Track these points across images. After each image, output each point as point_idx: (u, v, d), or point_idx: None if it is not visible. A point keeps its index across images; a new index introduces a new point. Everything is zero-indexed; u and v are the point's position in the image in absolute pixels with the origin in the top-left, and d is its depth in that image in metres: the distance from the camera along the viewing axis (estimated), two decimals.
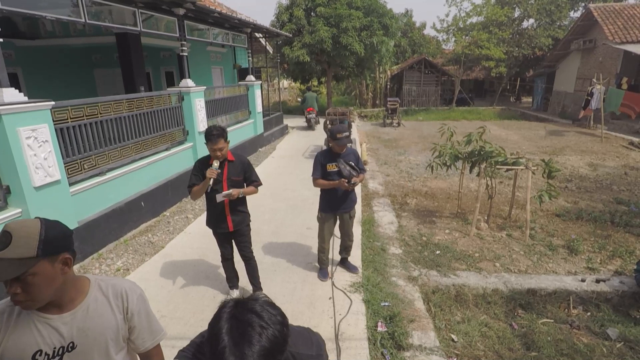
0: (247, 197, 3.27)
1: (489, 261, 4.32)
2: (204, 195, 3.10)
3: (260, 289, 3.47)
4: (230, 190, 2.99)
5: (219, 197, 2.99)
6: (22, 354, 1.12)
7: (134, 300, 1.29)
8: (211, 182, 2.92)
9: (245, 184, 3.22)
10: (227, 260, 3.41)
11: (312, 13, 16.29)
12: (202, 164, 3.04)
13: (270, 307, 0.91)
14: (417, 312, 3.34)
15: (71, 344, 1.17)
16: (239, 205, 3.17)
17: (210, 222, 3.26)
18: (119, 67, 8.02)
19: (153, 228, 5.20)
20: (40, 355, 1.13)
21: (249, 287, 3.51)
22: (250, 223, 3.35)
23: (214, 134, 2.87)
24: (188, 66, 6.77)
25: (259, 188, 3.27)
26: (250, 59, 10.55)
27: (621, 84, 12.92)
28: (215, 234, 3.30)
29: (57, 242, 1.09)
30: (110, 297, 1.26)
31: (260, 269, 3.49)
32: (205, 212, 3.32)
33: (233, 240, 3.33)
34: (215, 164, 2.92)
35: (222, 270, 3.58)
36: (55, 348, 1.15)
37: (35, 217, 1.11)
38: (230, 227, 3.16)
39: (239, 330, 0.84)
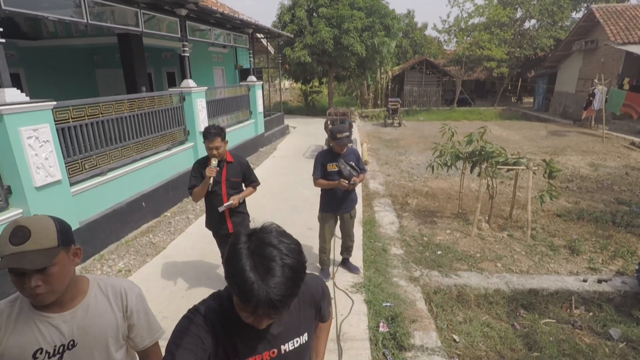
0: (247, 197, 3.26)
1: (490, 261, 4.31)
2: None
3: None
4: (230, 201, 3.01)
5: (221, 209, 3.01)
6: (23, 352, 1.12)
7: (133, 298, 1.30)
8: (211, 180, 2.92)
9: (244, 184, 3.22)
10: None
11: (314, 14, 16.29)
12: (201, 165, 3.04)
13: (285, 237, 0.95)
14: (418, 312, 3.33)
15: (71, 342, 1.17)
16: (238, 206, 3.15)
17: (209, 224, 3.25)
18: (120, 67, 8.03)
19: (154, 229, 5.20)
20: (40, 353, 1.13)
21: None
22: (250, 223, 3.34)
23: (211, 132, 2.87)
24: (189, 67, 6.78)
25: (257, 188, 3.27)
26: (251, 59, 10.57)
27: (623, 84, 12.90)
28: (215, 235, 3.30)
29: (68, 233, 1.15)
30: (109, 296, 1.27)
31: None
32: (205, 213, 3.31)
33: None
34: (214, 162, 2.92)
35: (222, 271, 3.56)
36: (55, 346, 1.15)
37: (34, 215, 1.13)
38: (230, 228, 3.16)
39: (263, 266, 0.87)
